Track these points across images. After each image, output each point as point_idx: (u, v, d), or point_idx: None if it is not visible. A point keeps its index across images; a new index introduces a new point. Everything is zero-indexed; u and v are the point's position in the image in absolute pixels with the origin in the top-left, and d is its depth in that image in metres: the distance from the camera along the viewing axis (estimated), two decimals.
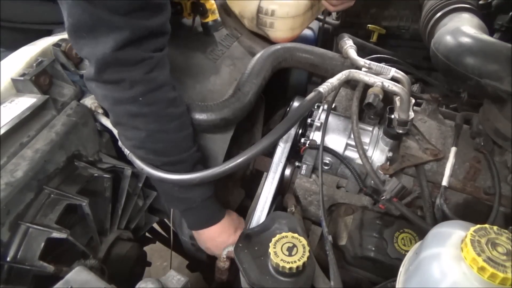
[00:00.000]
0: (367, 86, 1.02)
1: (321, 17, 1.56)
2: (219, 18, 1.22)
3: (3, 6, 1.07)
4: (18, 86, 0.92)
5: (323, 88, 0.83)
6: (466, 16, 1.02)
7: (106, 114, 0.99)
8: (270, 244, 0.74)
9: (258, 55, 1.10)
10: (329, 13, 1.74)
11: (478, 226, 0.54)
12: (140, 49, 0.74)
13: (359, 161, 0.97)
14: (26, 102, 0.89)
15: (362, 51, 1.18)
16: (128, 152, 0.89)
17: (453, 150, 0.97)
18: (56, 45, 0.94)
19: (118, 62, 0.73)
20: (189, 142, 0.89)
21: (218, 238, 0.99)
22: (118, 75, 0.75)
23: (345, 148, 1.03)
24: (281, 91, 1.58)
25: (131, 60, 0.74)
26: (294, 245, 0.74)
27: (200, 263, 1.25)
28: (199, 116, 0.93)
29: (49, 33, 1.10)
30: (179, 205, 0.96)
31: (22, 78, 0.90)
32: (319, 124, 1.03)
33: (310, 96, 0.82)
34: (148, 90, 0.78)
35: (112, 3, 0.68)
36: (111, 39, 0.70)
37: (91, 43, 0.72)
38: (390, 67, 0.94)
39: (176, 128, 0.85)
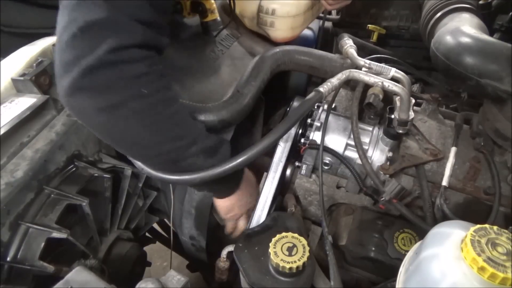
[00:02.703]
0: (367, 86, 1.02)
1: (321, 15, 1.56)
2: (218, 18, 1.22)
3: (4, 11, 1.07)
4: (18, 86, 0.92)
5: (323, 88, 0.83)
6: (466, 16, 1.02)
7: None
8: (270, 244, 0.74)
9: (257, 58, 1.10)
10: (329, 12, 1.74)
11: (478, 226, 0.54)
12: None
13: (359, 161, 0.97)
14: (26, 102, 0.89)
15: (362, 51, 1.18)
16: None
17: (453, 150, 0.97)
18: None
19: (116, 61, 0.68)
20: (192, 121, 0.86)
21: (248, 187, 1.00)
22: (114, 74, 0.67)
23: (345, 148, 1.03)
24: (281, 91, 1.58)
25: (131, 59, 0.70)
26: (294, 245, 0.74)
27: (200, 263, 1.25)
28: (197, 117, 0.93)
29: None
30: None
31: (22, 78, 0.90)
32: (319, 124, 1.03)
33: (310, 96, 0.82)
34: (150, 81, 0.72)
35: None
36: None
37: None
38: (390, 67, 0.94)
39: (182, 106, 0.81)
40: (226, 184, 0.94)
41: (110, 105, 0.68)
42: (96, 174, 0.97)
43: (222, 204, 0.99)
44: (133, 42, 0.67)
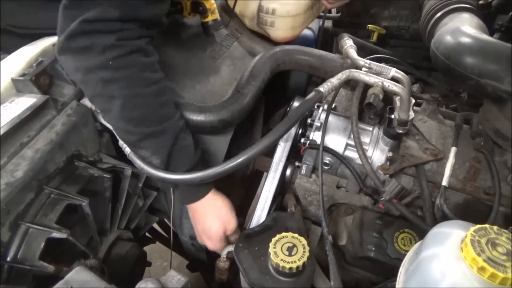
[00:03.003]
0: (367, 87, 1.02)
1: (321, 13, 1.56)
2: (219, 18, 1.22)
3: (7, 11, 1.07)
4: (18, 86, 0.92)
5: (323, 87, 0.83)
6: (466, 16, 1.02)
7: None
8: (270, 244, 0.74)
9: (257, 58, 1.10)
10: (329, 11, 1.75)
11: (478, 226, 0.54)
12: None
13: (359, 161, 0.97)
14: (26, 102, 0.89)
15: (362, 51, 1.18)
16: (129, 152, 0.89)
17: (453, 150, 0.97)
18: None
19: (90, 31, 0.75)
20: (169, 108, 0.87)
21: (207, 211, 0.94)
22: (89, 41, 0.76)
23: (345, 148, 1.03)
24: (281, 91, 1.58)
25: (103, 30, 0.76)
26: (294, 245, 0.74)
27: (200, 263, 1.25)
28: (197, 117, 0.93)
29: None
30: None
31: (22, 78, 0.90)
32: (319, 124, 1.03)
33: (310, 95, 0.82)
34: (119, 55, 0.77)
35: None
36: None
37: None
38: (390, 67, 0.94)
39: (153, 93, 0.82)
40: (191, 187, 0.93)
41: (84, 68, 0.79)
42: (96, 174, 0.97)
43: (191, 207, 0.97)
44: (109, 16, 0.74)
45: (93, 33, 0.75)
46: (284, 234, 0.76)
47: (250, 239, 0.83)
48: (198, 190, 0.93)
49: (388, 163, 0.98)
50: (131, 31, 0.78)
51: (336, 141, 1.04)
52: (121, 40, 0.77)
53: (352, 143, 1.00)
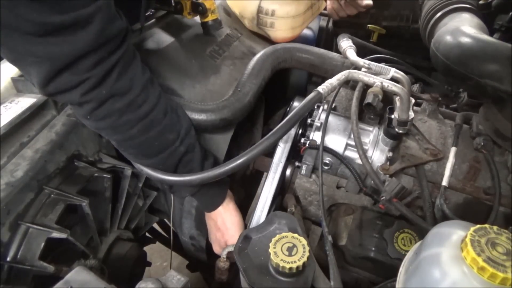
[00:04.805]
0: (367, 86, 1.02)
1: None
2: (219, 18, 1.22)
3: None
4: (18, 86, 0.92)
5: (323, 88, 0.83)
6: (466, 16, 1.02)
7: None
8: (270, 244, 0.74)
9: (257, 56, 1.10)
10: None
11: (478, 226, 0.54)
12: (72, 73, 0.67)
13: (359, 161, 0.97)
14: (26, 102, 0.89)
15: (362, 51, 1.18)
16: None
17: (453, 150, 0.97)
18: None
19: (54, 92, 0.70)
20: (168, 135, 0.83)
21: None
22: (63, 99, 0.73)
23: (345, 148, 1.03)
24: (281, 91, 1.58)
25: (65, 87, 0.69)
26: (294, 245, 0.74)
27: (200, 263, 1.25)
28: (199, 116, 0.93)
29: None
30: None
31: (22, 78, 0.90)
32: (319, 124, 1.03)
33: (310, 96, 0.82)
34: (92, 108, 0.73)
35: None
36: (36, 72, 0.65)
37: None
38: (389, 67, 0.94)
39: (140, 131, 0.79)
40: (211, 191, 0.96)
41: (76, 115, 0.79)
42: (96, 174, 0.97)
43: (210, 217, 1.01)
44: (45, 75, 0.66)
45: (58, 94, 0.70)
46: (284, 234, 0.76)
47: (250, 239, 0.83)
48: (218, 193, 0.97)
49: (388, 163, 0.98)
50: (88, 80, 0.68)
51: (336, 141, 1.04)
52: (85, 94, 0.70)
53: (352, 143, 1.00)
